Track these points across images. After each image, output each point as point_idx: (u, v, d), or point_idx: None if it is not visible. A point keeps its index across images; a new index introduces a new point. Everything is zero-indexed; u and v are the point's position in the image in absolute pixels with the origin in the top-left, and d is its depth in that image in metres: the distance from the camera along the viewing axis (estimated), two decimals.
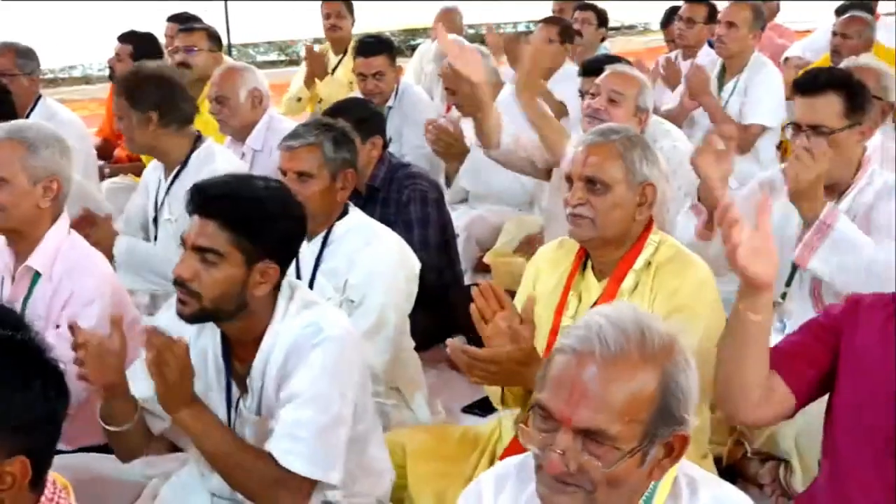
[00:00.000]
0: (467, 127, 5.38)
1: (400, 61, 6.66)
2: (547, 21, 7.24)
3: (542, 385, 1.97)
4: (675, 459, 1.98)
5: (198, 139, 4.62)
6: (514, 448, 3.09)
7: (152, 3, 10.67)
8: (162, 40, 7.26)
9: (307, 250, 3.73)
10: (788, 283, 3.88)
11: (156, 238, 4.70)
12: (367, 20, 9.62)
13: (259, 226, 2.78)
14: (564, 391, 1.91)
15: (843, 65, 4.76)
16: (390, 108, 6.30)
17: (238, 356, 2.93)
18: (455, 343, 2.94)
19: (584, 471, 1.90)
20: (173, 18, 7.57)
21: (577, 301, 3.19)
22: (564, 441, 1.90)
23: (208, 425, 2.83)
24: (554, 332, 3.10)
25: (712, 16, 7.00)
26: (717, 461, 3.61)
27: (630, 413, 1.89)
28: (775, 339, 3.47)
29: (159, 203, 4.67)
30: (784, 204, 3.77)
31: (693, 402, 1.97)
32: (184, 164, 4.57)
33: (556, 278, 3.27)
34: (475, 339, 3.01)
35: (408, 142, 6.18)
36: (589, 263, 3.24)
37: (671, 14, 8.15)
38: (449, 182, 5.95)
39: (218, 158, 4.55)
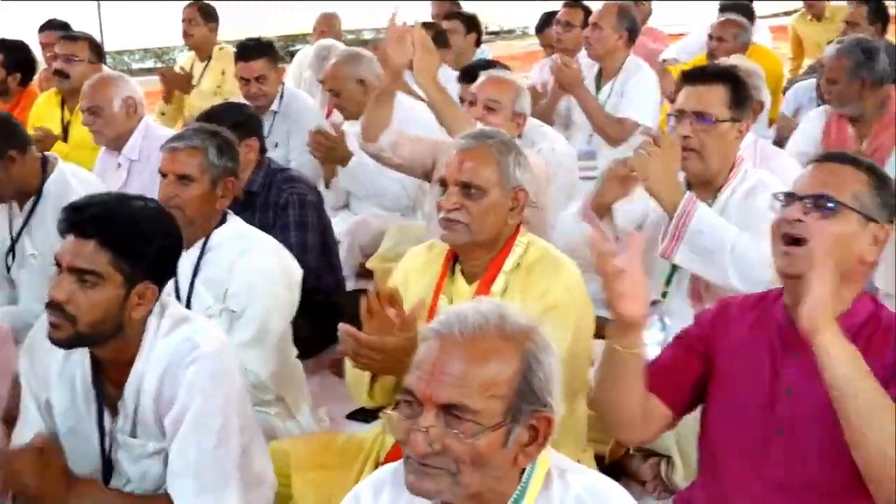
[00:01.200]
0: (351, 131, 5.37)
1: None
2: (421, 26, 7.22)
3: (409, 372, 2.02)
4: (540, 446, 2.02)
5: (45, 162, 4.47)
6: (397, 453, 3.09)
7: (22, 6, 10.43)
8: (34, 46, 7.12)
9: (185, 259, 3.66)
10: (668, 282, 3.93)
11: (8, 269, 4.56)
12: (245, 26, 9.54)
13: (138, 246, 2.71)
14: (426, 371, 1.97)
15: None
16: (276, 112, 6.26)
17: (110, 378, 2.86)
18: (347, 327, 2.94)
19: (448, 449, 1.94)
20: (46, 26, 7.40)
21: (448, 305, 3.20)
22: (428, 419, 1.95)
23: (98, 498, 2.79)
24: None
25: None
26: (601, 459, 3.65)
27: (491, 388, 1.95)
28: (656, 337, 3.56)
29: (14, 235, 4.50)
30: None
31: (556, 385, 2.02)
32: (38, 193, 4.42)
33: (425, 283, 3.29)
34: None
35: (295, 147, 6.12)
36: (458, 267, 3.26)
37: (547, 19, 8.22)
38: (326, 184, 5.91)
39: (76, 186, 4.41)
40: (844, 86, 5.18)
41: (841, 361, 2.33)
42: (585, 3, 7.33)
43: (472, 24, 7.86)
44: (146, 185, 5.08)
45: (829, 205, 2.54)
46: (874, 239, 2.58)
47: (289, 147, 6.18)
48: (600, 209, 3.81)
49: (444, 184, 3.21)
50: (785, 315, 2.62)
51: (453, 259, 3.28)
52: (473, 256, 3.22)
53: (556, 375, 2.02)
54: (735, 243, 3.55)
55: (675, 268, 3.88)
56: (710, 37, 6.98)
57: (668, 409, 2.68)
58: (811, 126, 5.52)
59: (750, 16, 7.89)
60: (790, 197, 2.62)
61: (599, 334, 4.20)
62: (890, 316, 2.59)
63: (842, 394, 2.33)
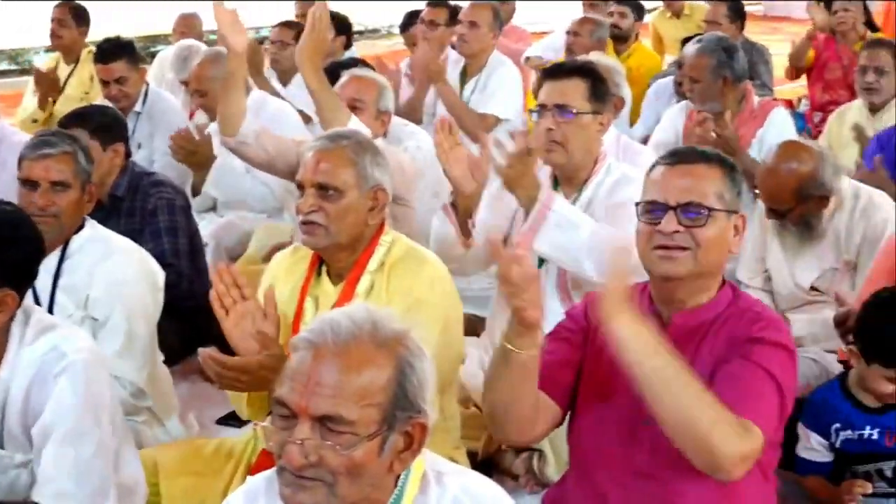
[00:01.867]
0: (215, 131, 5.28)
1: None
2: (283, 25, 7.17)
3: (280, 382, 1.97)
4: (415, 452, 2.01)
5: None
6: (265, 459, 3.05)
7: None
8: None
9: (43, 267, 3.57)
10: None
11: None
12: (105, 26, 9.31)
13: None
14: (300, 383, 1.92)
15: None
16: (138, 113, 6.12)
17: None
18: (206, 351, 2.91)
19: (324, 460, 1.91)
20: None
21: (314, 307, 3.20)
22: (303, 431, 1.91)
23: None
24: None
25: (454, 18, 7.10)
26: (473, 455, 3.66)
27: (366, 398, 1.92)
28: None
29: None
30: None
31: (430, 390, 2.00)
32: None
33: (291, 286, 3.27)
34: (227, 350, 3.00)
35: (158, 148, 6.00)
36: (324, 268, 3.24)
37: (411, 18, 8.22)
38: (196, 191, 5.82)
39: None
40: (707, 84, 5.30)
41: (630, 345, 2.43)
42: (450, 1, 7.36)
43: (342, 25, 7.78)
44: (3, 190, 4.93)
45: (702, 212, 2.63)
46: (735, 229, 2.69)
47: (152, 148, 6.05)
48: (462, 201, 3.80)
49: (301, 186, 3.18)
50: (651, 307, 2.70)
51: (319, 261, 3.26)
52: (337, 258, 3.20)
53: (430, 380, 2.01)
54: (591, 235, 3.62)
55: (543, 260, 3.92)
56: (568, 33, 7.12)
57: (556, 405, 2.70)
58: (672, 122, 5.64)
59: (640, 11, 8.07)
60: (656, 205, 2.67)
61: (469, 331, 4.25)
62: (748, 299, 2.74)
63: (635, 374, 2.44)
